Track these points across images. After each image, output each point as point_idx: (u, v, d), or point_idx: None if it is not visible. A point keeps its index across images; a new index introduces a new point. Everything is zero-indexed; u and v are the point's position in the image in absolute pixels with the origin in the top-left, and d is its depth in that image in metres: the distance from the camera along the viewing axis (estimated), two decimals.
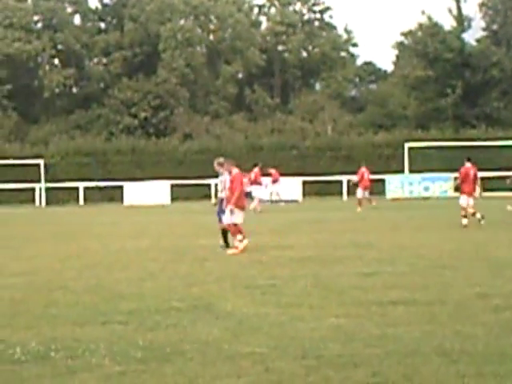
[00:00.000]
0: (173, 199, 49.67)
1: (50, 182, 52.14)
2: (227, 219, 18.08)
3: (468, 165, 24.81)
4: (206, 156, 54.83)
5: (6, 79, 69.84)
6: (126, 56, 72.28)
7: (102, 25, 78.66)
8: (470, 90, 67.96)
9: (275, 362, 7.38)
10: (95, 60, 77.83)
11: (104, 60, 75.89)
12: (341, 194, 49.66)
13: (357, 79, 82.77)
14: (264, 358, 7.53)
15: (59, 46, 73.49)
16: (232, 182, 18.15)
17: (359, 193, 37.52)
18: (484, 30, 73.18)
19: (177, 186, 50.53)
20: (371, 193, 39.30)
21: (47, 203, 51.10)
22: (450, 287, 11.64)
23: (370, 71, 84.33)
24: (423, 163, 50.51)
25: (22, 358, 7.74)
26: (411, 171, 50.33)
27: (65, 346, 8.18)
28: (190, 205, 45.33)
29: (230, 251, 17.62)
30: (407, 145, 51.04)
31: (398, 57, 77.81)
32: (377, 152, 55.58)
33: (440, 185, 47.98)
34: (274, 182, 44.20)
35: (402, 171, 51.14)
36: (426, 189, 48.61)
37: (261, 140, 58.75)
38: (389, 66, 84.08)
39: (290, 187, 48.72)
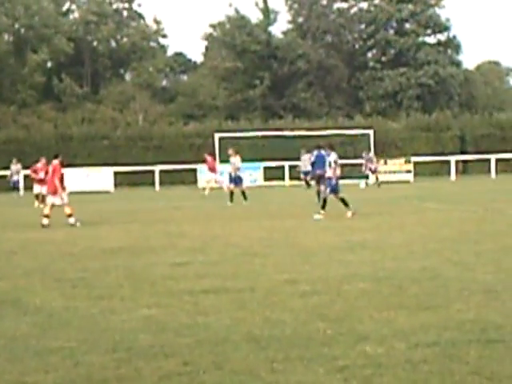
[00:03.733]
0: None
1: None
2: None
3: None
4: (13, 146, 53.30)
5: None
6: None
7: None
8: (277, 82, 69.68)
9: (85, 356, 7.27)
10: None
11: None
12: (153, 184, 49.59)
13: (167, 70, 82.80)
14: (73, 352, 7.40)
15: None
16: None
17: (38, 188, 32.60)
18: (290, 23, 75.12)
19: None
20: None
21: None
22: (260, 274, 11.86)
23: (181, 62, 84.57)
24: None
25: None
26: (222, 161, 50.92)
27: None
28: None
29: None
30: (217, 135, 51.63)
31: (207, 48, 78.57)
32: (188, 142, 55.97)
33: (249, 173, 48.90)
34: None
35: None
36: None
37: (70, 130, 57.69)
38: (199, 57, 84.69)
39: (102, 178, 48.09)
